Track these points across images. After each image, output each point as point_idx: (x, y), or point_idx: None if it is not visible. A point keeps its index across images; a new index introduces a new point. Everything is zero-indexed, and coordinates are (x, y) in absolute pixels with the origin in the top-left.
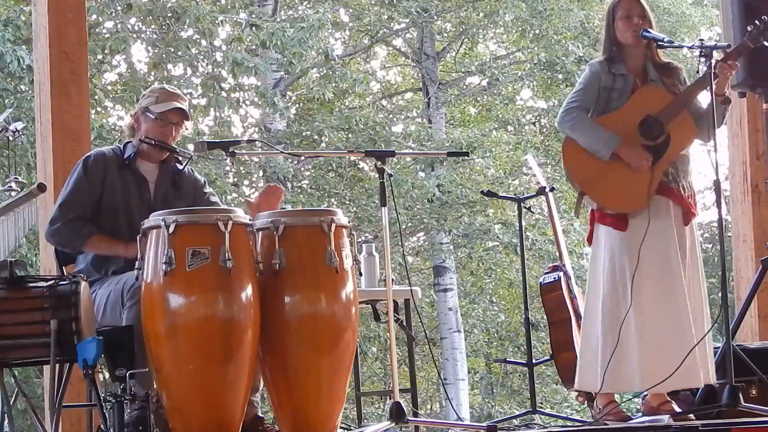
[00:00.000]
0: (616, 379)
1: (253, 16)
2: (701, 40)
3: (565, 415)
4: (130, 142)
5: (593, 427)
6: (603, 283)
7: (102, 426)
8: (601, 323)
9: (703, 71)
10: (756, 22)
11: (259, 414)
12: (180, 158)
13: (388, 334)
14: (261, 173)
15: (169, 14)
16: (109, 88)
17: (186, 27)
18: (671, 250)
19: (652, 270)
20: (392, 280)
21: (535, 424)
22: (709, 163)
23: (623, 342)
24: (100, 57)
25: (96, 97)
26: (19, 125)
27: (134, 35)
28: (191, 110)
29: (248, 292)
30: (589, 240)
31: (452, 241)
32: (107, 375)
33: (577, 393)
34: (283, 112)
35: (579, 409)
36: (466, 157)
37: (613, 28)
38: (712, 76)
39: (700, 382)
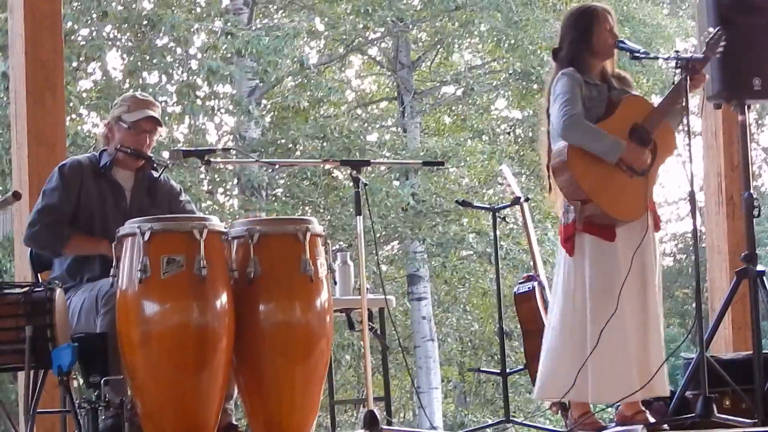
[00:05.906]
0: (595, 388)
1: (229, 24)
2: (677, 51)
3: (538, 425)
4: (105, 150)
5: None
6: (588, 292)
7: None
8: (588, 332)
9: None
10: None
11: (233, 421)
12: (156, 166)
13: (362, 342)
14: (236, 181)
15: (145, 22)
16: (84, 95)
17: (161, 35)
18: (647, 259)
19: (635, 279)
20: (367, 288)
21: None
22: (683, 174)
23: (608, 351)
24: (75, 64)
25: (71, 104)
26: None
27: (109, 43)
28: (166, 118)
29: (223, 300)
30: (571, 251)
31: (426, 250)
32: (82, 381)
33: (550, 403)
34: (258, 121)
35: (552, 418)
36: (441, 167)
37: (592, 37)
38: (687, 87)
39: (654, 393)
